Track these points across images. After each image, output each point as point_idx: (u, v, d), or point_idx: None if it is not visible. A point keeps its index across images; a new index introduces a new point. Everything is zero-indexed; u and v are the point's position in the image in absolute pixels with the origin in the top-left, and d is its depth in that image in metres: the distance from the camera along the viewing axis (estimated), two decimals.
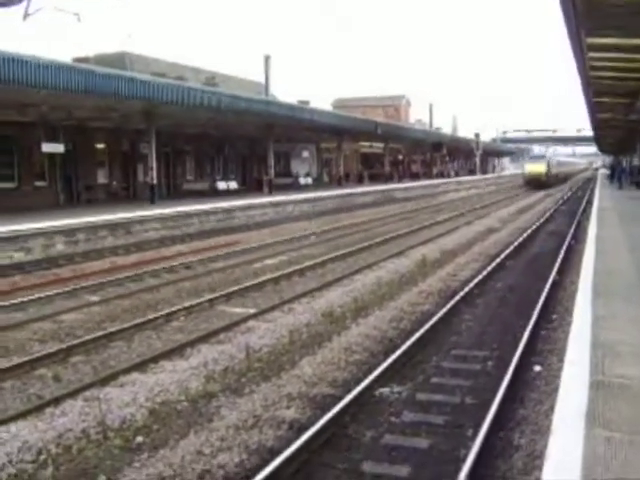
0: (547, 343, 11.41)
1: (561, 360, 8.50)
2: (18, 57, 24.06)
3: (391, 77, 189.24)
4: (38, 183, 36.27)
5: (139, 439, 7.78)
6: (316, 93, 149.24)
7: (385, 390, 9.23)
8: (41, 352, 11.04)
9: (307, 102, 59.27)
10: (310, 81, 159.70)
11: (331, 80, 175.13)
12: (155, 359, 10.69)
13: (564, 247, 22.13)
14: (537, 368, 10.04)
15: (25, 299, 15.37)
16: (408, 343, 10.95)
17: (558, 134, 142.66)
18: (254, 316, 13.50)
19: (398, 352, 10.48)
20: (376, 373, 9.52)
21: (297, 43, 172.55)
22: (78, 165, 38.64)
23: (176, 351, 11.11)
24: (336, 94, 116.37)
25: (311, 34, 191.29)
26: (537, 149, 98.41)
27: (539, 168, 72.64)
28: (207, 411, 8.59)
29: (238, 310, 14.20)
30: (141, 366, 10.36)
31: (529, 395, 8.97)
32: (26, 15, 18.64)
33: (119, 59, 43.95)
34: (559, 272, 17.54)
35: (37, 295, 15.79)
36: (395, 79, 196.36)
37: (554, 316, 13.18)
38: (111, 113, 33.82)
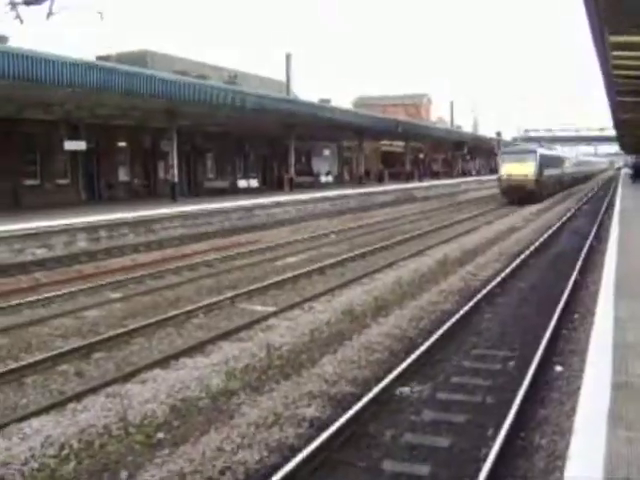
0: (569, 343, 11.35)
1: (583, 360, 8.47)
2: (42, 56, 24.26)
3: (412, 75, 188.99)
4: (60, 181, 36.54)
5: (160, 435, 7.82)
6: (337, 91, 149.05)
7: (405, 389, 9.22)
8: (63, 348, 11.14)
9: (328, 100, 59.36)
10: (331, 79, 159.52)
11: (352, 78, 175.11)
12: (176, 356, 10.73)
13: (586, 247, 21.98)
14: (558, 368, 9.99)
15: (47, 295, 15.49)
16: (428, 342, 10.94)
17: (580, 133, 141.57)
18: (275, 314, 13.52)
19: (418, 351, 10.47)
20: (396, 372, 9.52)
21: (318, 41, 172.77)
22: (100, 163, 38.89)
23: (197, 348, 11.16)
24: (357, 92, 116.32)
25: (332, 32, 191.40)
26: (559, 148, 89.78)
27: (523, 169, 46.26)
28: (228, 408, 8.62)
29: (259, 308, 14.23)
30: (162, 363, 10.41)
31: (550, 395, 8.93)
32: (50, 14, 18.78)
33: (140, 57, 44.14)
34: (581, 272, 17.44)
35: (59, 291, 15.92)
36: (416, 77, 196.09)
37: (576, 316, 13.11)
38: (133, 111, 34.00)
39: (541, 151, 50.17)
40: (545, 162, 49.51)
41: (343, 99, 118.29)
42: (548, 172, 50.51)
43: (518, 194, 45.59)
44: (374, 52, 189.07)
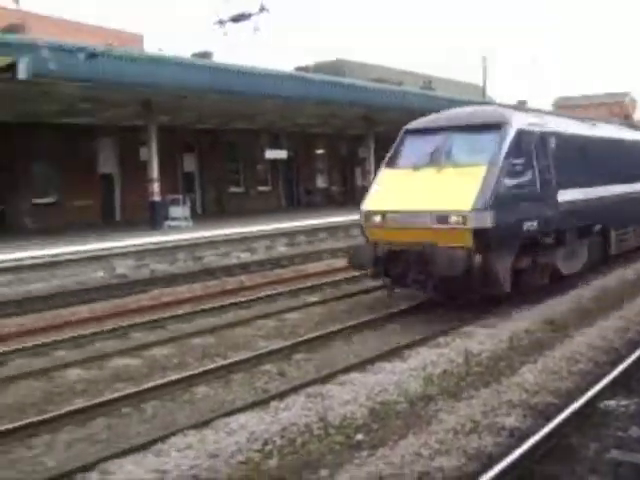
0: None
1: None
2: (247, 69, 25.43)
3: (617, 73, 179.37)
4: (262, 188, 38.12)
5: (359, 437, 7.92)
6: (536, 92, 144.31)
7: (611, 403, 8.79)
8: (267, 348, 11.60)
9: (524, 102, 57.92)
10: (532, 80, 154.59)
11: (554, 78, 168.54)
12: (372, 360, 10.84)
13: None
14: None
15: (250, 297, 16.20)
16: (636, 354, 10.38)
17: None
18: (472, 321, 13.35)
19: (625, 363, 9.96)
20: (601, 384, 9.10)
21: (517, 42, 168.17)
22: (299, 170, 40.16)
23: (394, 353, 11.23)
24: (559, 92, 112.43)
25: (534, 30, 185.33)
26: None
27: (449, 191, 12.77)
28: (426, 413, 8.60)
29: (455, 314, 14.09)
30: (360, 366, 10.55)
31: None
32: (256, 29, 19.74)
33: (338, 67, 45.11)
34: None
35: (261, 294, 16.60)
36: (621, 75, 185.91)
37: None
38: (332, 119, 34.80)
39: (526, 121, 14.43)
40: (558, 156, 14.57)
41: (542, 100, 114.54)
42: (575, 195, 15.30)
43: (425, 274, 13.02)
44: (578, 49, 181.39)
